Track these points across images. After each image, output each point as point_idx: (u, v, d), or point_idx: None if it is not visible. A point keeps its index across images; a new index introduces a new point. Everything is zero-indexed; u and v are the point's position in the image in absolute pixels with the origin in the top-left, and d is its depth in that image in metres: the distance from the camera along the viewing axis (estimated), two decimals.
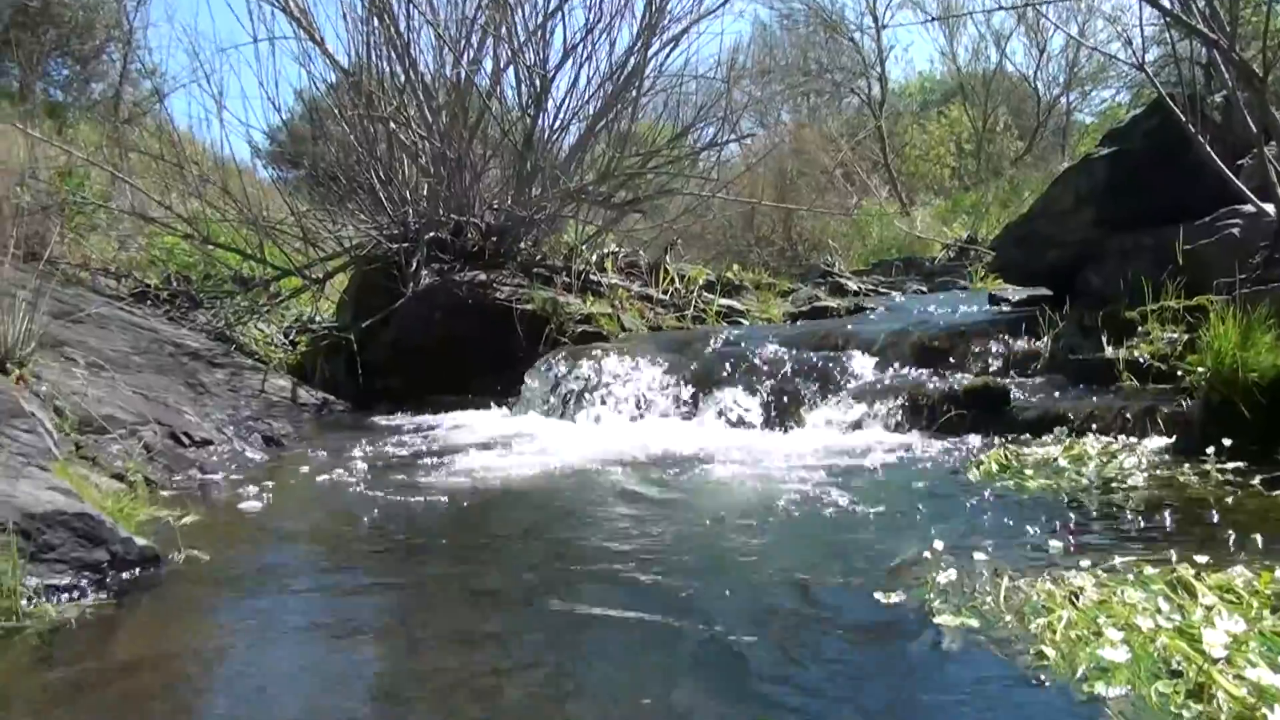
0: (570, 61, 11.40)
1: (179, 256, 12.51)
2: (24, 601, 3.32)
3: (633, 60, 11.44)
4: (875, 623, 3.11)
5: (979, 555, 3.60)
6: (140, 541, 3.89)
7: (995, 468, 5.21)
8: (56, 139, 13.14)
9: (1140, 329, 6.71)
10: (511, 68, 11.55)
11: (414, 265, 10.59)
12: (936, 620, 3.05)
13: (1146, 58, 8.71)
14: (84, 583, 3.59)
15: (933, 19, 25.59)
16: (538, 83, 11.24)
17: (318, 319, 12.23)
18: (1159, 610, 2.91)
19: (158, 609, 3.59)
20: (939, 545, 3.66)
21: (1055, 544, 3.71)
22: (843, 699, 2.60)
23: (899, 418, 6.68)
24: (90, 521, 3.75)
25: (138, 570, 3.79)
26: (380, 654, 3.17)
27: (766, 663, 2.86)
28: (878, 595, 3.29)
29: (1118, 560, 3.42)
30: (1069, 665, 2.66)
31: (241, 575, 4.00)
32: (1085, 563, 3.40)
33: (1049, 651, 2.75)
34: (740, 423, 7.32)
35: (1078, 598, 3.05)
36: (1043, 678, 2.62)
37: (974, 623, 3.01)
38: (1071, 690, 2.55)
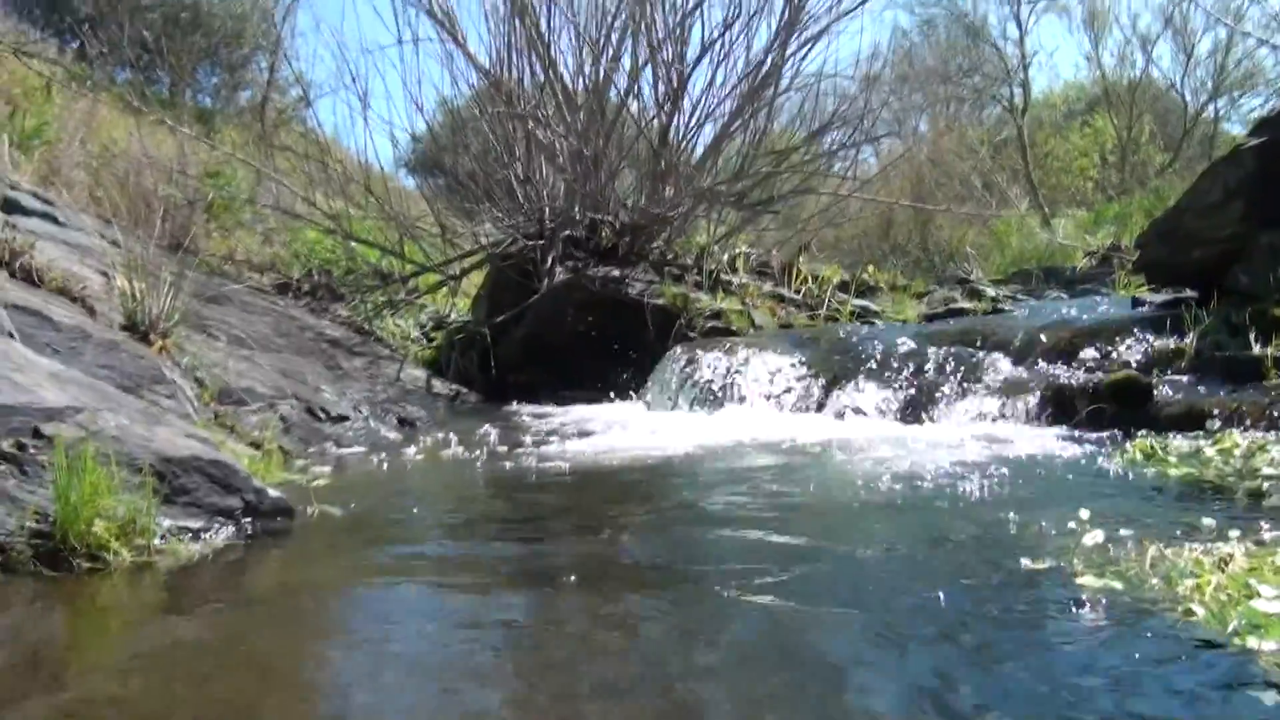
0: (707, 59, 11.38)
1: (321, 252, 12.81)
2: (157, 539, 3.39)
3: (770, 59, 11.37)
4: (1021, 584, 3.00)
5: (1123, 530, 3.46)
6: (273, 493, 3.95)
7: (1140, 456, 5.04)
8: (205, 140, 13.53)
9: None
10: (649, 66, 11.55)
11: (549, 262, 10.66)
12: (1079, 582, 2.94)
13: None
14: (216, 527, 3.64)
15: None
16: (674, 80, 11.24)
17: (453, 315, 12.40)
18: None
19: (286, 553, 3.64)
20: (1084, 515, 3.55)
21: (1206, 521, 3.55)
22: (987, 649, 2.52)
23: (1039, 411, 6.49)
24: (225, 469, 3.81)
25: (269, 520, 3.84)
26: (504, 601, 3.15)
27: (909, 617, 2.79)
28: (1024, 560, 3.18)
29: (1266, 536, 3.26)
30: (1220, 621, 2.54)
31: (371, 529, 4.04)
32: (1234, 533, 3.25)
33: (1198, 610, 2.63)
34: (874, 415, 7.18)
35: (1227, 564, 2.92)
36: (1191, 632, 2.51)
37: (1118, 585, 2.89)
38: (1223, 642, 2.43)
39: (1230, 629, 2.49)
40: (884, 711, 2.19)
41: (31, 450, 3.48)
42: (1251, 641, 2.41)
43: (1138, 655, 2.42)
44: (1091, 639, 2.54)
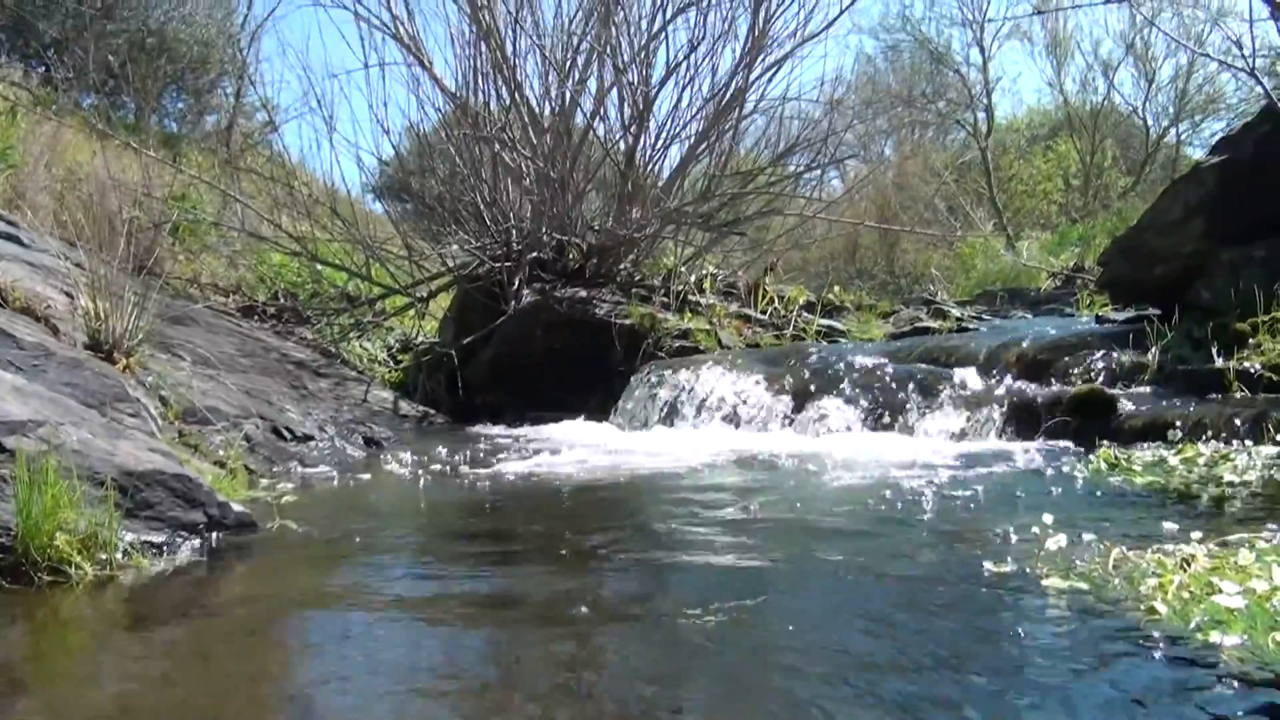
0: (673, 81, 11.43)
1: (287, 275, 12.77)
2: (119, 554, 3.36)
3: (735, 82, 11.43)
4: (987, 587, 3.02)
5: (1087, 535, 3.48)
6: (237, 507, 3.93)
7: (1104, 466, 5.08)
8: (170, 164, 13.47)
9: (1251, 340, 6.51)
10: (615, 89, 11.59)
11: (516, 284, 10.66)
12: (1045, 583, 2.97)
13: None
14: (179, 541, 3.62)
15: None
16: (640, 102, 11.27)
17: (420, 337, 12.38)
18: (1273, 576, 2.79)
19: (250, 567, 3.62)
20: (1047, 519, 3.57)
21: (1168, 525, 3.58)
22: (952, 651, 2.53)
23: (1004, 425, 6.54)
24: (188, 483, 3.79)
25: (233, 534, 3.82)
26: (465, 613, 3.13)
27: (874, 623, 2.80)
28: (989, 565, 3.20)
29: (1229, 538, 3.29)
30: (1182, 619, 2.57)
31: (336, 545, 4.02)
32: (1195, 534, 3.28)
33: (1161, 608, 2.66)
34: (842, 431, 7.20)
35: (1189, 564, 2.95)
36: (1155, 630, 2.53)
37: (1082, 585, 2.92)
38: (1186, 639, 2.46)
39: (1193, 625, 2.52)
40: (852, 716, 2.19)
41: None
42: (1214, 636, 2.44)
43: (1101, 652, 2.44)
44: (1056, 637, 2.56)
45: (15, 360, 4.80)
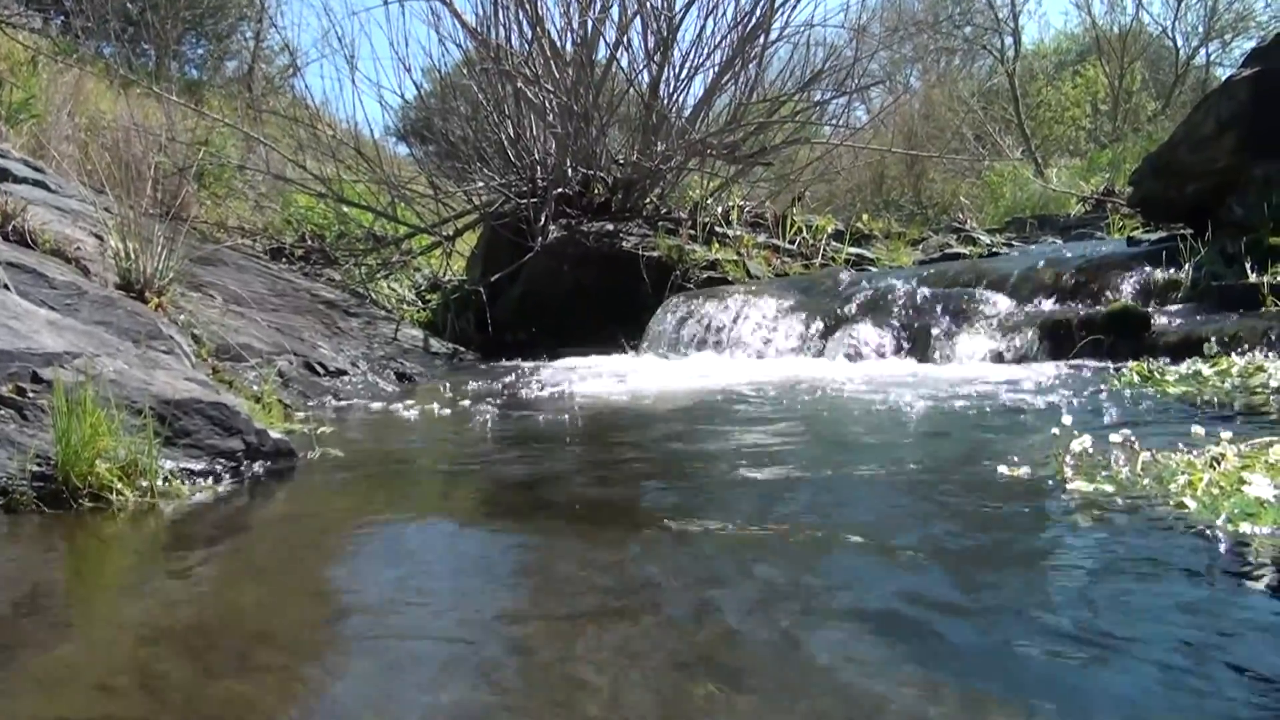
0: (696, 9, 11.35)
1: (313, 218, 12.79)
2: (159, 481, 3.39)
3: (759, 9, 11.32)
4: (1013, 493, 3.02)
5: (1114, 437, 3.46)
6: (275, 435, 3.95)
7: (1137, 379, 5.07)
8: (192, 108, 13.46)
9: None
10: (638, 18, 11.50)
11: (542, 220, 10.64)
12: (1070, 487, 2.97)
13: None
14: (218, 469, 3.65)
15: None
16: (664, 29, 11.19)
17: (448, 276, 12.40)
18: None
19: (290, 492, 3.65)
20: (1074, 428, 3.54)
21: (1196, 430, 3.55)
22: (979, 552, 2.53)
23: (1037, 345, 6.52)
24: (225, 411, 3.81)
25: (272, 462, 3.84)
26: (502, 527, 3.18)
27: (904, 527, 2.81)
28: (1017, 471, 3.20)
29: (1260, 440, 3.27)
30: (1212, 512, 2.57)
31: (373, 470, 4.06)
32: (1226, 434, 3.25)
33: (1190, 503, 2.66)
34: (873, 356, 7.19)
35: (1219, 463, 2.94)
36: (1184, 524, 2.53)
37: (1108, 488, 2.92)
38: (1216, 531, 2.46)
39: (1222, 518, 2.52)
40: (884, 609, 2.19)
41: (30, 394, 3.49)
42: (1245, 528, 2.44)
43: (1128, 547, 2.44)
44: (1082, 536, 2.56)
45: (48, 299, 4.83)
